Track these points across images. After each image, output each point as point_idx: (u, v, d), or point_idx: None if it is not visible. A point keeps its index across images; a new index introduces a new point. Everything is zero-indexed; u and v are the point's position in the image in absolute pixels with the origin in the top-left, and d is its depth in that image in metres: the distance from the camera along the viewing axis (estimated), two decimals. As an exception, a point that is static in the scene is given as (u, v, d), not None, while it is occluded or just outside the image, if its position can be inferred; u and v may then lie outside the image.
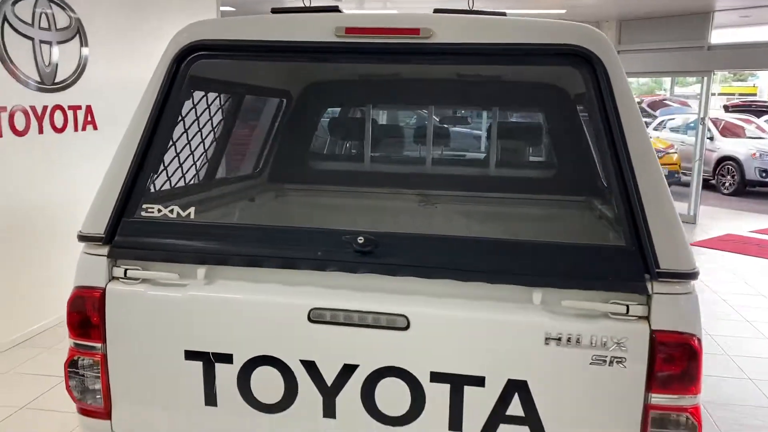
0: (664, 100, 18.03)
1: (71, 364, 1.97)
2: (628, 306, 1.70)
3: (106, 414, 1.98)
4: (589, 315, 1.71)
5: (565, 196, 2.69)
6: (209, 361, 1.87)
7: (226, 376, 1.87)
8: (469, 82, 2.73)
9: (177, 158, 2.28)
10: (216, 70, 2.27)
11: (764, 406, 4.08)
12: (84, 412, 2.01)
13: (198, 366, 1.88)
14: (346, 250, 1.81)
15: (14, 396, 3.94)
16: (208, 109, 2.41)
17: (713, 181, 14.00)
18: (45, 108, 4.82)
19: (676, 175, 13.32)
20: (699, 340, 1.70)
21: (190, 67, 1.96)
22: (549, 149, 3.27)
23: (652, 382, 1.69)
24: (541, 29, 1.85)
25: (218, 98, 2.53)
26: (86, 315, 1.92)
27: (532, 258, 1.77)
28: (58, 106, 4.95)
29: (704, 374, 4.41)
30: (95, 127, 5.37)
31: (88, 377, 1.96)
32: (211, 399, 1.90)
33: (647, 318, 1.69)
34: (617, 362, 1.69)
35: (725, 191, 13.69)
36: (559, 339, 1.70)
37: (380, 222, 2.59)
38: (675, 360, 1.68)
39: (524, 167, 3.29)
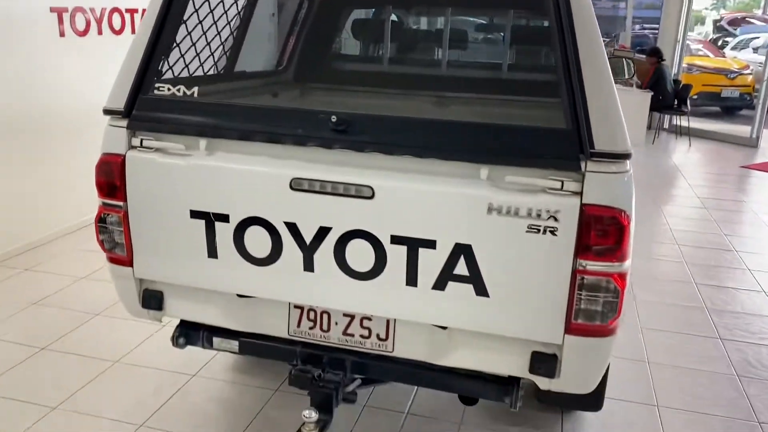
0: (746, 17, 16.97)
1: (100, 220, 2.34)
2: (563, 182, 1.90)
3: (129, 262, 2.37)
4: (528, 189, 1.93)
5: (531, 96, 2.84)
6: (210, 220, 2.20)
7: (224, 233, 2.20)
8: None
9: (193, 48, 2.55)
10: None
11: (770, 316, 4.22)
12: (112, 260, 2.40)
13: (201, 224, 2.22)
14: (324, 129, 2.07)
15: (76, 268, 4.49)
16: (221, 3, 2.65)
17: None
18: (103, 10, 5.17)
19: (747, 98, 12.79)
20: (627, 214, 1.90)
21: None
22: (528, 52, 3.39)
23: (580, 250, 1.92)
24: None
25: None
26: (111, 178, 2.27)
27: (481, 138, 1.98)
28: (116, 9, 5.29)
29: (721, 285, 4.53)
30: (152, 31, 5.70)
31: (113, 231, 2.34)
32: (212, 252, 2.24)
33: (580, 193, 1.90)
34: (550, 231, 1.92)
35: (802, 116, 13.05)
36: (500, 209, 1.94)
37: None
38: (601, 231, 1.89)
39: (505, 69, 3.42)
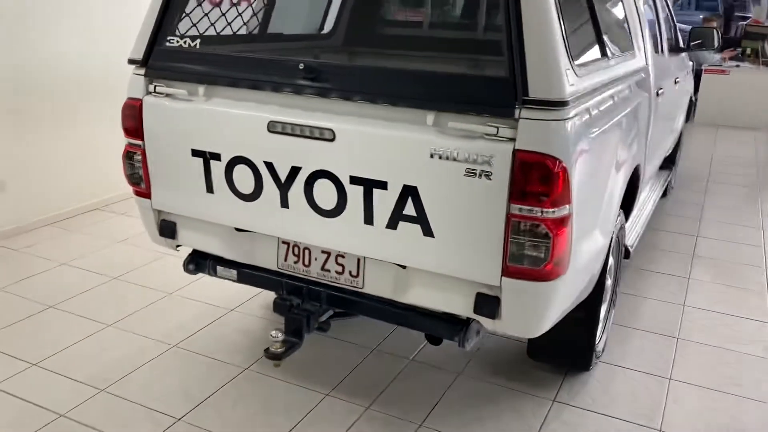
0: None
1: (127, 157, 2.71)
2: (498, 128, 1.98)
3: (148, 195, 2.72)
4: (468, 135, 2.03)
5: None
6: (206, 158, 2.49)
7: (217, 170, 2.48)
8: None
9: (218, 8, 2.83)
10: None
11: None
12: (137, 193, 2.77)
13: (200, 162, 2.51)
14: (296, 76, 2.28)
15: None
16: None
17: None
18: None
19: None
20: (560, 162, 1.94)
21: None
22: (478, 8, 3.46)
23: (513, 195, 1.99)
24: None
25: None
26: (132, 119, 2.61)
27: (427, 86, 2.10)
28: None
29: None
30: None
31: (136, 166, 2.69)
32: (209, 187, 2.53)
33: (513, 139, 1.97)
34: (485, 175, 2.01)
35: None
36: (441, 154, 2.05)
37: None
38: (532, 177, 1.95)
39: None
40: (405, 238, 2.21)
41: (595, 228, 2.40)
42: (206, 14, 2.60)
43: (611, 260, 3.04)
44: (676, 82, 4.32)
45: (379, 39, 3.36)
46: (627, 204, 3.37)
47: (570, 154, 1.98)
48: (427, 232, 2.16)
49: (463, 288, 2.21)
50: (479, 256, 2.10)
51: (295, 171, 2.32)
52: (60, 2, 4.63)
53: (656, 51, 4.08)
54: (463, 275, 2.17)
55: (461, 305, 2.24)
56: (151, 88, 2.57)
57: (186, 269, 2.82)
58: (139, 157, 2.67)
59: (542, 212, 1.98)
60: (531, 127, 1.95)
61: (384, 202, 2.20)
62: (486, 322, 2.22)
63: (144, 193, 2.72)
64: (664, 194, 5.79)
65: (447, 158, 2.05)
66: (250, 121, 2.35)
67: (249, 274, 2.70)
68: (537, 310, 2.15)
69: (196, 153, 2.50)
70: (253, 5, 2.73)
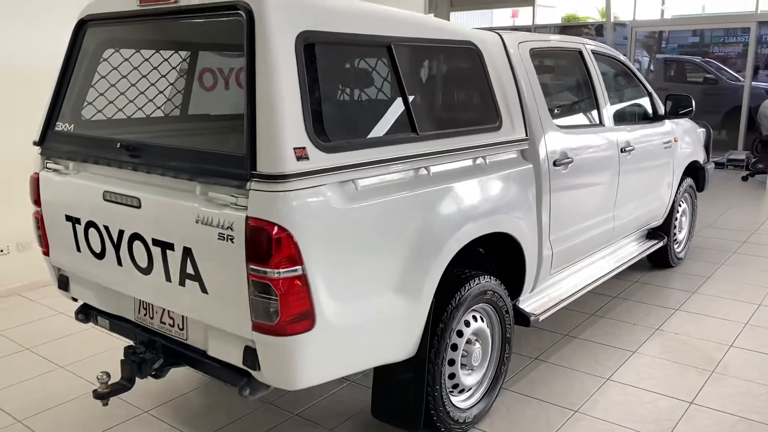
0: None
1: (35, 222, 3.23)
2: (237, 198, 2.25)
3: (48, 253, 3.21)
4: (221, 204, 2.31)
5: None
6: (73, 222, 2.94)
7: (80, 232, 2.92)
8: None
9: (123, 97, 3.32)
10: (108, 35, 3.18)
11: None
12: (43, 252, 3.27)
13: (70, 225, 2.96)
14: (121, 154, 2.69)
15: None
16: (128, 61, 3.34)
17: None
18: (231, 69, 6.35)
19: None
20: (280, 227, 2.17)
21: (83, 33, 3.01)
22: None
23: (249, 256, 2.23)
24: None
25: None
26: (34, 190, 3.14)
27: (195, 161, 2.42)
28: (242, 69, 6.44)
29: (757, 351, 4.00)
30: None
31: (39, 229, 3.20)
32: (77, 247, 2.96)
33: (247, 207, 2.23)
34: (230, 239, 2.27)
35: None
36: (203, 219, 2.34)
37: None
38: (259, 240, 2.19)
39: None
40: (191, 294, 2.49)
41: (380, 293, 2.53)
42: (87, 103, 3.11)
43: (477, 324, 3.10)
44: (625, 151, 4.26)
45: (172, 120, 3.72)
46: (516, 272, 3.43)
47: (296, 221, 2.20)
48: (203, 289, 2.43)
49: (237, 341, 2.44)
50: (237, 311, 2.34)
51: (121, 234, 2.70)
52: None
53: (597, 123, 4.12)
54: (231, 329, 2.40)
55: (237, 357, 2.46)
56: (45, 164, 3.09)
57: (77, 318, 3.25)
58: (38, 221, 3.17)
59: (270, 272, 2.20)
60: (258, 198, 2.20)
61: (174, 261, 2.51)
62: (255, 373, 2.42)
63: (46, 252, 3.22)
64: (668, 266, 5.54)
65: (207, 224, 2.34)
66: (93, 191, 2.78)
67: (117, 324, 3.07)
68: (287, 362, 2.32)
69: (68, 218, 2.96)
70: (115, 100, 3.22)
